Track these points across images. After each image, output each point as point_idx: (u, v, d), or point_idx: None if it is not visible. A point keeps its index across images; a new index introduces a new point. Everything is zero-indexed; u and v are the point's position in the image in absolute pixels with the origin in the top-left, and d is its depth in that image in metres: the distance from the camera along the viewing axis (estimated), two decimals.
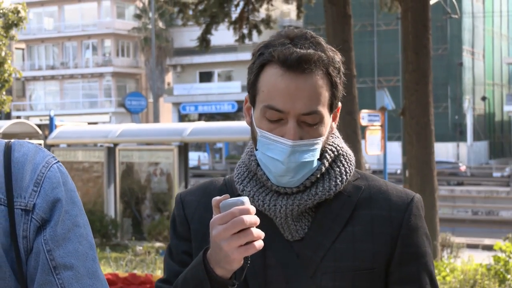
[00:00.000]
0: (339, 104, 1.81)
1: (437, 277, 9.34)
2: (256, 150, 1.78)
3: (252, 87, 1.77)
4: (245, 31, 16.35)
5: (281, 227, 1.76)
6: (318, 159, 1.76)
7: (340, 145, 1.84)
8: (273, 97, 1.71)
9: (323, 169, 1.77)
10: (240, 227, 1.52)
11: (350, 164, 1.83)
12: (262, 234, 1.55)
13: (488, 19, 53.25)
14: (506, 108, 50.95)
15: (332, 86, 1.75)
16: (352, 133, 11.37)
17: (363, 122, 15.94)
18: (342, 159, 1.82)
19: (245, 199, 1.55)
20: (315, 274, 1.72)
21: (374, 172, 39.98)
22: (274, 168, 1.72)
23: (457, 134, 47.68)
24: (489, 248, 14.61)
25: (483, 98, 51.62)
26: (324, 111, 1.73)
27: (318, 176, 1.77)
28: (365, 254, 1.73)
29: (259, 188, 1.78)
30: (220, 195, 1.78)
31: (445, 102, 47.43)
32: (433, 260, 1.82)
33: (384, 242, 1.75)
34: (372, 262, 1.73)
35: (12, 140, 1.50)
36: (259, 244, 1.54)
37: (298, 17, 17.46)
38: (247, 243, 1.53)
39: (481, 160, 51.39)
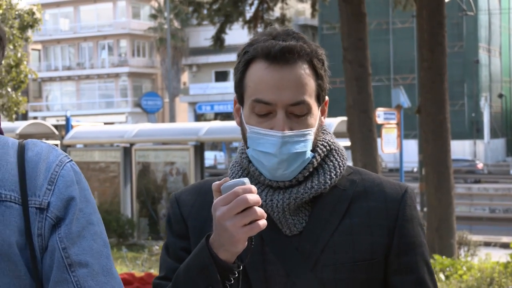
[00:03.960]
0: (327, 98, 1.82)
1: (454, 276, 9.31)
2: (248, 148, 1.78)
3: (239, 86, 1.81)
4: (260, 30, 16.37)
5: (279, 222, 1.77)
6: (311, 151, 1.77)
7: (331, 141, 1.85)
8: (260, 90, 1.73)
9: (315, 163, 1.78)
10: (243, 205, 1.52)
11: (343, 158, 1.85)
12: (265, 213, 1.55)
13: (505, 16, 52.93)
14: None
15: (318, 77, 1.76)
16: (368, 131, 11.34)
17: (379, 120, 15.88)
18: (334, 153, 1.84)
19: (246, 180, 1.56)
20: (315, 267, 1.74)
21: (391, 170, 39.87)
22: (267, 162, 1.73)
23: (474, 132, 47.44)
24: (506, 246, 14.52)
25: (500, 96, 51.34)
26: (312, 101, 1.75)
27: (311, 170, 1.78)
28: (364, 246, 1.75)
29: (254, 185, 1.77)
30: None
31: (462, 99, 47.19)
32: (428, 250, 1.85)
33: (382, 233, 1.77)
34: (371, 253, 1.76)
35: (26, 140, 1.50)
36: (263, 223, 1.54)
37: (313, 15, 17.46)
38: (251, 223, 1.53)
39: (498, 158, 51.11)
